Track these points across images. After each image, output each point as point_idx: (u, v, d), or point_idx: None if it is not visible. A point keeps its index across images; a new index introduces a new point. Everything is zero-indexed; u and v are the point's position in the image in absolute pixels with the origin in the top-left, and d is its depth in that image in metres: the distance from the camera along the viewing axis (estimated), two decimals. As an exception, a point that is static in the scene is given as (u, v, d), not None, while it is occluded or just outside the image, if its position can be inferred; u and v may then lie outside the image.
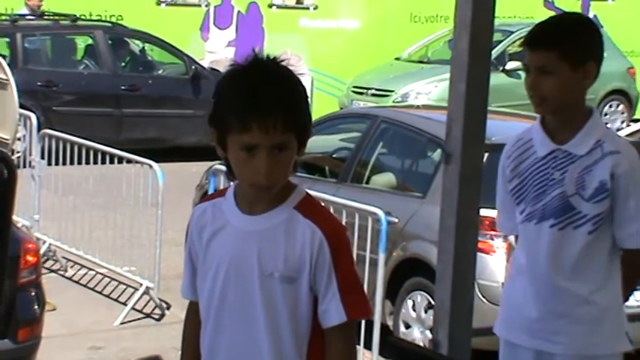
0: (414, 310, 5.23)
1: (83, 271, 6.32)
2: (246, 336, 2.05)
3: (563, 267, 2.67)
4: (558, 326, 2.67)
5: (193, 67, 10.43)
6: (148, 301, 5.77)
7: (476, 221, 3.22)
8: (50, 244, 6.45)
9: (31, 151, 6.79)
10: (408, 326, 5.26)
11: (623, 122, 12.32)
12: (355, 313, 2.02)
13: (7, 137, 6.86)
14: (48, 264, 6.34)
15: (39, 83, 9.67)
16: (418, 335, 5.19)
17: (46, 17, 10.54)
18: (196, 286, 2.13)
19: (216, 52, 12.19)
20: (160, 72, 10.70)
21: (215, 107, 2.00)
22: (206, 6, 12.39)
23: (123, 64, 10.61)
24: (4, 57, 8.28)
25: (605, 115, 12.43)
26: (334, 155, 6.29)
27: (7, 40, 9.87)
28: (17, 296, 4.05)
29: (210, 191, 5.61)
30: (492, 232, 4.74)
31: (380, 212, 4.82)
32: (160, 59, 10.81)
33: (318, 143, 6.15)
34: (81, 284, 6.19)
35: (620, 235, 2.66)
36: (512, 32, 11.52)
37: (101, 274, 6.22)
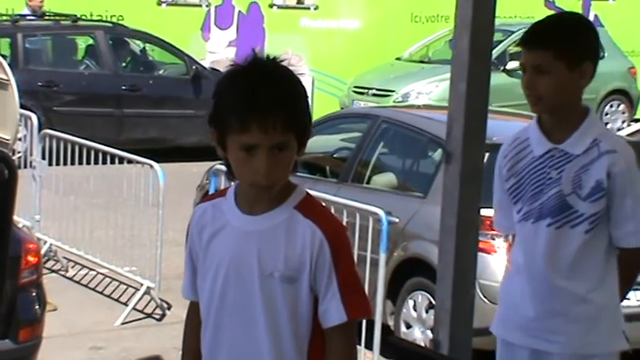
0: (415, 310, 5.23)
1: (84, 271, 6.33)
2: (247, 336, 2.05)
3: (560, 266, 2.67)
4: (555, 325, 2.68)
5: (194, 67, 10.44)
6: (149, 301, 5.77)
7: (476, 221, 3.22)
8: (51, 245, 6.45)
9: (32, 152, 6.80)
10: (408, 326, 5.26)
11: (624, 122, 12.32)
12: (355, 313, 2.02)
13: (8, 137, 6.87)
14: (49, 264, 6.35)
15: (40, 83, 9.67)
16: (419, 335, 5.18)
17: (46, 17, 10.55)
18: (197, 286, 2.13)
19: (217, 52, 12.20)
20: (160, 72, 10.71)
21: (215, 107, 2.00)
22: (207, 6, 12.40)
23: (124, 64, 10.62)
24: (4, 57, 8.29)
25: (606, 114, 12.43)
26: (335, 155, 6.29)
27: (8, 40, 9.88)
28: (18, 296, 4.05)
29: (211, 191, 5.61)
30: (493, 232, 4.74)
31: (381, 212, 4.82)
32: (160, 59, 10.82)
33: (319, 143, 6.15)
34: (82, 284, 6.20)
35: (617, 234, 2.67)
36: (512, 32, 11.52)
37: (102, 274, 6.22)
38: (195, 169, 8.02)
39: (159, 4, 12.06)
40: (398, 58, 12.31)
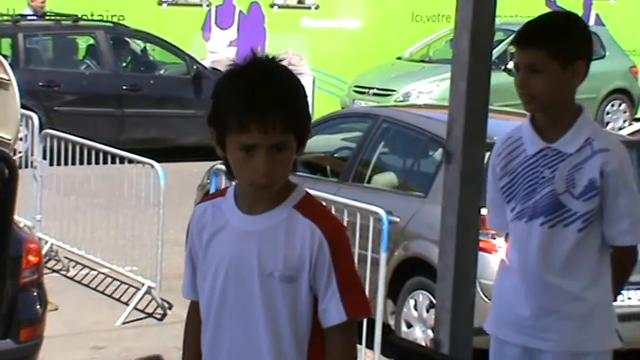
0: (416, 310, 5.23)
1: (85, 271, 6.33)
2: (246, 336, 2.05)
3: (553, 264, 2.68)
4: (548, 323, 2.69)
5: (195, 67, 10.44)
6: (150, 301, 5.77)
7: (477, 220, 3.22)
8: (52, 244, 6.45)
9: (33, 152, 6.80)
10: (409, 325, 5.26)
11: (625, 121, 12.31)
12: (355, 313, 2.02)
13: (9, 137, 6.87)
14: (50, 264, 6.35)
15: (41, 83, 9.68)
16: (420, 334, 5.19)
17: (47, 17, 10.55)
18: (197, 286, 2.13)
19: (218, 52, 12.20)
20: (161, 72, 10.71)
21: (214, 107, 2.00)
22: (207, 6, 12.40)
23: (124, 64, 10.62)
24: (5, 57, 8.30)
25: (608, 114, 12.42)
26: (336, 155, 6.29)
27: (9, 40, 9.88)
28: (19, 296, 4.05)
29: (212, 191, 5.62)
30: (493, 231, 4.74)
31: (381, 212, 4.82)
32: (161, 59, 10.82)
33: (319, 143, 6.15)
34: (83, 284, 6.20)
35: (610, 232, 2.67)
36: (513, 31, 11.43)
37: (103, 273, 6.22)
38: (195, 169, 8.03)
39: (159, 3, 12.06)
40: (399, 58, 12.31)
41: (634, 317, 4.92)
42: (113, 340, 5.32)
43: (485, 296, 4.79)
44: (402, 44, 12.51)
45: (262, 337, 2.03)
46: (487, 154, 3.34)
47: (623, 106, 12.55)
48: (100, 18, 11.19)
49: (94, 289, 6.12)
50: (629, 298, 4.98)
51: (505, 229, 2.84)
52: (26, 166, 6.92)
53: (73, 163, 6.47)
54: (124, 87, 10.10)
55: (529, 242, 2.68)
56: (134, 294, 5.81)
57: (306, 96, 2.02)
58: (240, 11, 12.59)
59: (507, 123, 5.90)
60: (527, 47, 2.65)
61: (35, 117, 6.96)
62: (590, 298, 2.67)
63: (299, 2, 13.17)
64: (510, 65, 11.28)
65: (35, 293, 4.16)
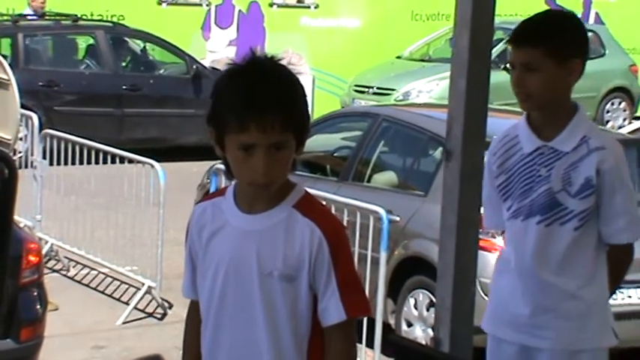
0: (416, 309, 5.23)
1: (85, 270, 6.33)
2: (246, 335, 2.05)
3: (550, 263, 2.68)
4: (545, 321, 2.69)
5: (194, 66, 10.44)
6: (150, 301, 5.77)
7: (477, 219, 3.22)
8: (52, 244, 6.46)
9: (33, 152, 6.80)
10: (410, 324, 5.27)
11: (625, 120, 12.32)
12: (355, 312, 2.03)
13: (9, 137, 6.87)
14: (50, 264, 6.35)
15: (40, 83, 9.68)
16: (420, 333, 5.19)
17: (47, 17, 10.56)
18: (197, 285, 2.13)
19: (218, 51, 12.20)
20: (161, 72, 10.71)
21: (213, 106, 2.00)
22: (207, 5, 12.40)
23: (124, 63, 10.62)
24: (5, 57, 8.30)
25: (607, 112, 12.43)
26: (335, 154, 6.29)
27: (9, 40, 9.88)
28: (19, 296, 4.05)
29: (212, 190, 5.62)
30: (494, 230, 4.74)
31: (381, 211, 4.83)
32: (161, 59, 10.83)
33: (319, 142, 6.15)
34: (83, 284, 6.20)
35: (607, 231, 2.68)
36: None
37: (103, 273, 6.23)
38: (195, 169, 8.03)
39: (159, 3, 12.06)
40: (398, 57, 12.31)
41: (634, 316, 4.92)
42: (113, 340, 5.33)
43: (486, 295, 4.78)
44: (401, 43, 12.51)
45: (262, 336, 2.03)
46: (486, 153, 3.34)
47: (623, 104, 12.55)
48: (99, 18, 11.19)
49: (94, 288, 6.13)
50: (629, 297, 4.99)
51: (501, 227, 2.84)
52: (26, 166, 6.92)
53: (73, 163, 6.47)
54: (124, 87, 10.10)
55: (525, 241, 2.69)
56: (134, 294, 5.82)
57: (305, 95, 2.02)
58: (240, 11, 12.59)
59: (507, 121, 5.88)
60: (523, 46, 2.66)
61: (35, 117, 6.96)
62: (586, 297, 2.68)
63: (298, 1, 13.17)
64: (510, 64, 11.27)
65: (35, 293, 4.17)
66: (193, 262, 2.13)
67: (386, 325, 4.97)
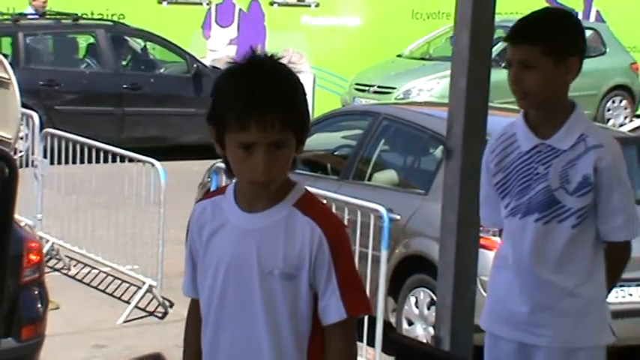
0: (417, 307, 5.23)
1: (86, 269, 6.34)
2: (247, 334, 2.05)
3: (547, 261, 2.69)
4: (543, 319, 2.69)
5: (195, 65, 10.44)
6: (151, 300, 5.78)
7: (477, 217, 3.22)
8: (53, 243, 6.46)
9: (34, 151, 6.81)
10: (410, 323, 5.27)
11: (626, 118, 12.31)
12: (355, 310, 2.03)
13: (10, 136, 6.88)
14: (51, 263, 6.36)
15: (41, 82, 9.68)
16: (421, 332, 5.19)
17: (47, 16, 10.56)
18: (197, 284, 2.14)
19: (218, 50, 12.20)
20: (161, 70, 10.71)
21: (213, 105, 2.00)
22: (207, 4, 12.40)
23: (124, 62, 10.62)
24: (6, 56, 8.31)
25: (608, 110, 12.42)
26: (336, 152, 6.29)
27: (10, 39, 9.88)
28: (20, 295, 4.06)
29: (213, 189, 5.62)
30: (494, 229, 4.74)
31: (382, 209, 4.83)
32: (161, 58, 10.83)
33: (320, 141, 6.16)
34: (84, 283, 6.21)
35: (604, 228, 2.68)
36: (513, 28, 11.47)
37: (104, 272, 6.23)
38: (196, 168, 8.03)
39: (159, 2, 12.06)
40: (399, 55, 12.31)
41: (634, 314, 4.92)
42: (114, 339, 5.33)
43: (486, 293, 4.80)
44: (402, 42, 12.50)
45: (262, 335, 2.03)
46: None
47: (624, 102, 12.54)
48: (100, 17, 11.19)
49: (95, 287, 6.13)
50: (630, 295, 4.99)
51: (499, 225, 2.85)
52: (27, 165, 6.93)
53: (74, 162, 6.47)
54: (125, 86, 10.10)
55: (523, 238, 2.69)
56: (135, 292, 5.82)
57: (305, 94, 2.02)
58: (240, 9, 12.59)
59: (507, 120, 5.88)
60: (520, 43, 2.66)
61: (36, 116, 6.97)
62: (584, 294, 2.69)
63: (299, 0, 13.17)
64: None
65: (36, 292, 4.17)
66: (194, 261, 2.13)
67: (387, 324, 4.97)
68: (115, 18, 11.29)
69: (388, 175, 5.76)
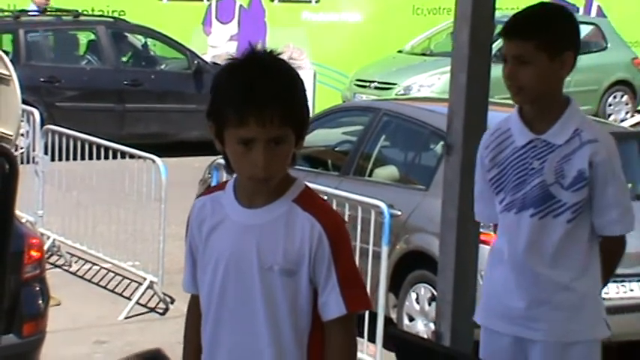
0: (418, 303, 5.23)
1: (87, 266, 6.34)
2: (247, 330, 2.05)
3: (543, 255, 2.69)
4: (538, 313, 2.70)
5: (196, 61, 10.44)
6: (152, 296, 5.78)
7: (477, 213, 3.22)
8: (54, 240, 6.47)
9: (35, 147, 6.81)
10: (411, 319, 5.27)
11: (627, 113, 12.29)
12: (355, 306, 2.03)
13: (11, 133, 6.88)
14: (52, 259, 6.36)
15: (42, 79, 9.68)
16: (422, 328, 5.19)
17: (48, 13, 10.55)
18: (197, 279, 2.14)
19: (219, 46, 12.19)
20: (162, 67, 10.71)
21: (212, 101, 2.00)
22: (208, 0, 12.39)
23: (125, 59, 10.62)
24: (6, 53, 8.31)
25: (610, 105, 12.40)
26: (337, 148, 6.29)
27: (10, 35, 9.88)
28: (21, 291, 4.06)
29: (213, 185, 5.61)
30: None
31: (383, 205, 4.83)
32: (162, 54, 10.82)
33: (320, 136, 6.15)
34: (85, 279, 6.21)
35: (599, 222, 2.69)
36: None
37: (105, 268, 6.24)
38: (197, 164, 8.03)
39: (160, -2, 12.05)
40: (400, 51, 12.29)
41: (635, 309, 4.92)
42: (116, 335, 5.34)
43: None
44: (403, 37, 12.49)
45: (262, 331, 2.03)
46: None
47: (625, 97, 12.53)
48: (100, 13, 11.19)
49: (97, 284, 6.14)
50: (632, 290, 4.98)
51: (493, 220, 2.85)
52: (28, 162, 6.93)
53: (75, 159, 6.47)
54: (125, 82, 10.10)
55: (519, 233, 2.70)
56: (136, 289, 5.82)
57: (304, 90, 2.02)
58: (241, 5, 12.58)
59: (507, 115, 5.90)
60: (515, 39, 2.66)
61: (36, 112, 6.97)
62: (579, 288, 2.69)
63: (299, -4, 13.15)
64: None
65: (37, 288, 4.17)
66: (193, 257, 2.14)
67: (388, 320, 4.97)
68: (115, 14, 11.29)
69: (389, 171, 5.75)
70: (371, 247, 4.90)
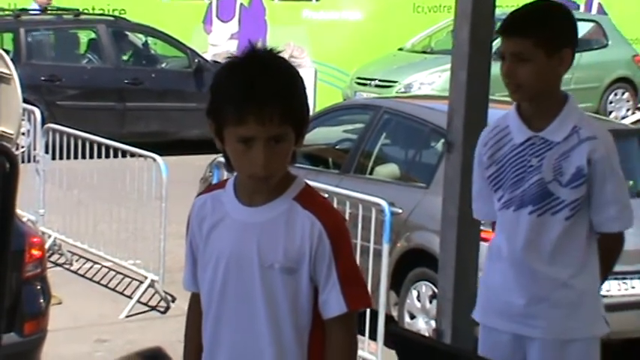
0: (419, 301, 5.23)
1: (88, 264, 6.34)
2: (247, 328, 2.05)
3: (541, 253, 2.69)
4: (537, 310, 2.70)
5: (196, 60, 10.43)
6: (153, 294, 5.79)
7: (478, 210, 3.21)
8: (55, 238, 6.47)
9: (36, 146, 6.81)
10: (412, 317, 5.27)
11: (628, 110, 12.28)
12: (355, 304, 2.03)
13: (12, 132, 6.88)
14: (53, 258, 6.36)
15: (42, 78, 9.68)
16: (423, 326, 5.19)
17: (49, 12, 10.56)
18: (197, 278, 2.14)
19: (219, 44, 12.19)
20: (162, 65, 10.71)
21: (212, 99, 2.00)
22: (208, -1, 12.39)
23: (126, 57, 10.62)
24: (7, 52, 8.31)
25: (611, 103, 12.39)
26: (337, 146, 6.29)
27: (11, 34, 9.88)
28: (23, 290, 4.06)
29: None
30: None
31: (383, 203, 4.83)
32: (162, 53, 10.82)
33: (321, 134, 6.15)
34: (86, 278, 6.22)
35: (598, 219, 2.69)
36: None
37: (106, 267, 6.24)
38: (197, 162, 8.03)
39: (160, -3, 12.05)
40: (400, 49, 12.29)
41: (637, 306, 4.92)
42: (117, 333, 5.34)
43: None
44: (403, 35, 12.48)
45: (263, 330, 2.03)
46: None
47: (626, 95, 12.52)
48: (101, 12, 11.18)
49: (98, 282, 6.14)
50: (633, 287, 4.98)
51: (491, 217, 2.85)
52: (29, 161, 6.93)
53: (76, 157, 6.48)
54: (126, 81, 10.10)
55: (517, 231, 2.70)
56: (137, 287, 5.83)
57: (304, 88, 2.01)
58: (241, 4, 12.57)
59: (509, 113, 5.89)
60: (513, 36, 2.66)
61: (37, 111, 6.97)
62: (578, 286, 2.69)
63: (300, -6, 13.15)
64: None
65: (39, 287, 4.18)
66: (194, 255, 2.14)
67: (389, 318, 4.97)
68: (116, 13, 11.29)
69: (389, 169, 5.75)
70: (372, 245, 4.90)
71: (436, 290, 4.84)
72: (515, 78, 2.65)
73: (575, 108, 2.74)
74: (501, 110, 5.78)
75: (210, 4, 12.39)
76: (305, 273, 2.01)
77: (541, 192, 2.67)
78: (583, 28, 12.28)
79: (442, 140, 5.27)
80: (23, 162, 6.72)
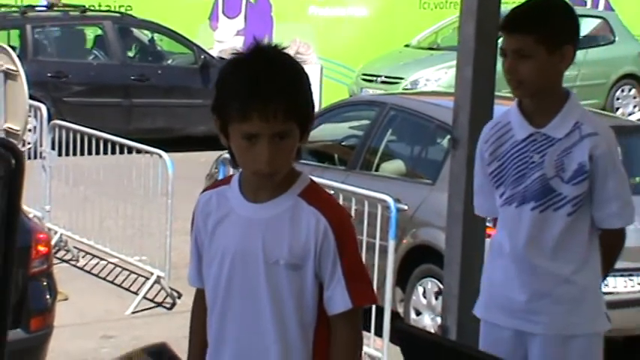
0: (425, 297, 5.23)
1: (94, 260, 6.36)
2: (252, 325, 2.05)
3: (543, 249, 2.70)
4: (539, 306, 2.70)
5: (202, 56, 10.44)
6: (159, 290, 5.80)
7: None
8: (61, 235, 6.48)
9: (42, 142, 6.82)
10: (418, 313, 5.27)
11: (635, 107, 12.25)
12: (360, 300, 2.03)
13: (18, 128, 6.89)
14: (59, 254, 6.38)
15: (49, 74, 9.70)
16: (429, 322, 5.19)
17: (55, 8, 10.57)
18: (203, 273, 2.14)
19: (225, 41, 12.19)
20: (169, 62, 10.72)
21: (217, 95, 2.00)
22: (214, -5, 12.39)
23: (132, 54, 10.63)
24: (14, 48, 8.32)
25: (617, 99, 12.36)
26: (343, 143, 6.29)
27: (17, 31, 9.90)
28: (29, 286, 4.07)
29: (220, 180, 5.61)
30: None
31: (389, 199, 4.82)
32: (169, 49, 10.83)
33: (327, 131, 6.15)
34: (92, 274, 6.23)
35: (599, 215, 2.69)
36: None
37: (112, 263, 6.25)
38: (203, 159, 8.04)
39: (167, -7, 12.05)
40: (406, 45, 12.28)
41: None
42: (123, 330, 5.35)
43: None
44: (409, 32, 12.47)
45: (268, 327, 2.03)
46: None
47: (633, 91, 12.48)
48: (107, 8, 11.20)
49: (104, 278, 6.15)
50: (639, 284, 4.97)
51: (493, 213, 2.86)
52: (35, 157, 6.95)
53: (82, 154, 6.49)
54: (132, 77, 10.11)
55: (519, 227, 2.70)
56: (143, 283, 5.84)
57: (309, 84, 2.01)
58: (247, 0, 12.57)
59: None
60: (514, 32, 2.66)
61: (44, 108, 6.98)
62: (580, 281, 2.69)
63: (306, -10, 13.13)
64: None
65: (45, 283, 4.18)
66: (199, 251, 2.14)
67: (395, 314, 4.97)
68: (122, 9, 11.30)
69: (395, 166, 5.75)
70: (378, 242, 4.90)
71: (442, 287, 4.85)
72: (516, 74, 2.65)
73: (576, 104, 2.74)
74: (507, 107, 5.77)
75: (216, 0, 12.39)
76: (310, 269, 2.01)
77: (543, 188, 2.67)
78: (590, 25, 12.24)
79: (448, 137, 5.27)
80: (29, 158, 6.73)
